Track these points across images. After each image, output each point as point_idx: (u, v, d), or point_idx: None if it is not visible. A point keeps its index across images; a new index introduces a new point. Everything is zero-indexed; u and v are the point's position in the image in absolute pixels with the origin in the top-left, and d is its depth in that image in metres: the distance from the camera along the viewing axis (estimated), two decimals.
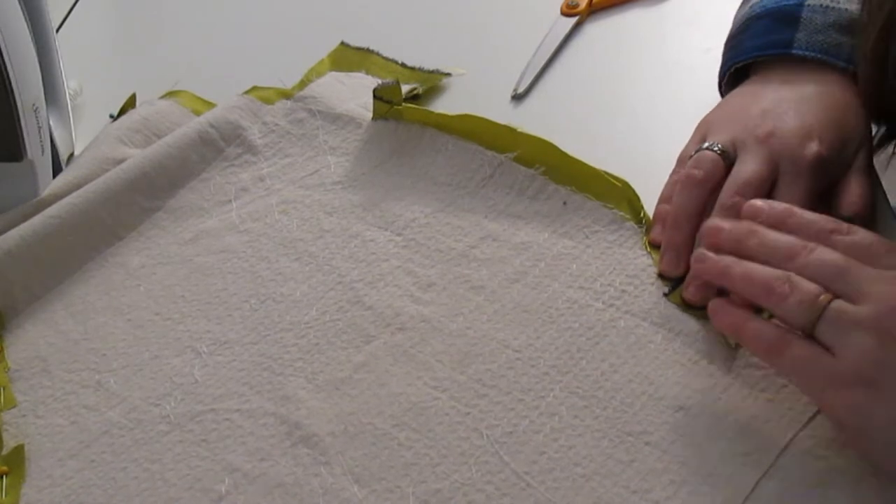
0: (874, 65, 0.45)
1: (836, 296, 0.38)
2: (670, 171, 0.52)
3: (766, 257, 0.41)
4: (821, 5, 0.50)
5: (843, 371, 0.37)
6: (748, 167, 0.46)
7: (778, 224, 0.42)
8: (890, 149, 0.50)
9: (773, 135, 0.47)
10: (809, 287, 0.39)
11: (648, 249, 0.49)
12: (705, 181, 0.47)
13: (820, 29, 0.50)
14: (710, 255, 0.42)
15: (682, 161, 0.50)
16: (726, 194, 0.46)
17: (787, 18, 0.51)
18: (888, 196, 0.51)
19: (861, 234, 0.40)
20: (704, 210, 0.47)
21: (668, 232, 0.47)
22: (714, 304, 0.42)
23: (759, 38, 0.52)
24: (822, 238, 0.40)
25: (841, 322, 0.37)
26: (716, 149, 0.47)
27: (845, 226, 0.41)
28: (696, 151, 0.48)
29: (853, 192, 0.47)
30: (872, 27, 0.44)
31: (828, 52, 0.49)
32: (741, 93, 0.52)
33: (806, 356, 0.38)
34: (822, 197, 0.47)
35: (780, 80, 0.50)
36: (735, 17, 0.57)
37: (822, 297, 0.38)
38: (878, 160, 0.52)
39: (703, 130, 0.51)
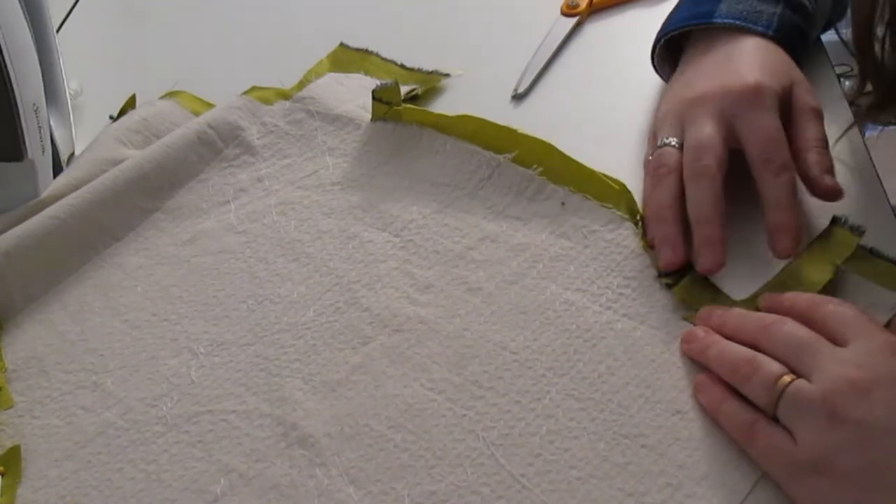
0: (863, 46, 0.47)
1: (798, 374, 0.39)
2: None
3: (743, 331, 0.42)
4: None
5: (801, 459, 0.37)
6: (697, 130, 0.47)
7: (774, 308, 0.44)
8: (875, 130, 0.51)
9: (707, 93, 0.48)
10: (771, 368, 0.39)
11: (646, 249, 0.48)
12: (671, 172, 0.47)
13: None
14: (699, 333, 0.44)
15: (645, 167, 0.51)
16: (688, 165, 0.47)
17: None
18: (888, 196, 0.50)
19: (842, 306, 0.41)
20: (681, 197, 0.47)
21: (654, 228, 0.48)
22: (698, 381, 0.43)
23: (686, 12, 0.54)
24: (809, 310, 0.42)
25: (797, 404, 0.38)
26: (671, 143, 0.48)
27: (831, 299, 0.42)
28: (652, 153, 0.49)
29: (815, 159, 0.46)
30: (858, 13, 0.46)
31: (747, 19, 0.51)
32: (674, 84, 0.53)
33: (770, 444, 0.39)
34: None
35: (702, 53, 0.52)
36: None
37: (781, 378, 0.39)
38: (867, 141, 0.53)
39: (652, 133, 0.52)
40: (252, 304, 0.51)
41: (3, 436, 0.47)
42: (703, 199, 0.46)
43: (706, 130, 0.47)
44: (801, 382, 0.38)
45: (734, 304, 0.46)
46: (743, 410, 0.40)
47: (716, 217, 0.45)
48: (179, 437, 0.46)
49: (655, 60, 0.57)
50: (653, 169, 0.48)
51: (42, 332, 0.52)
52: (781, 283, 0.45)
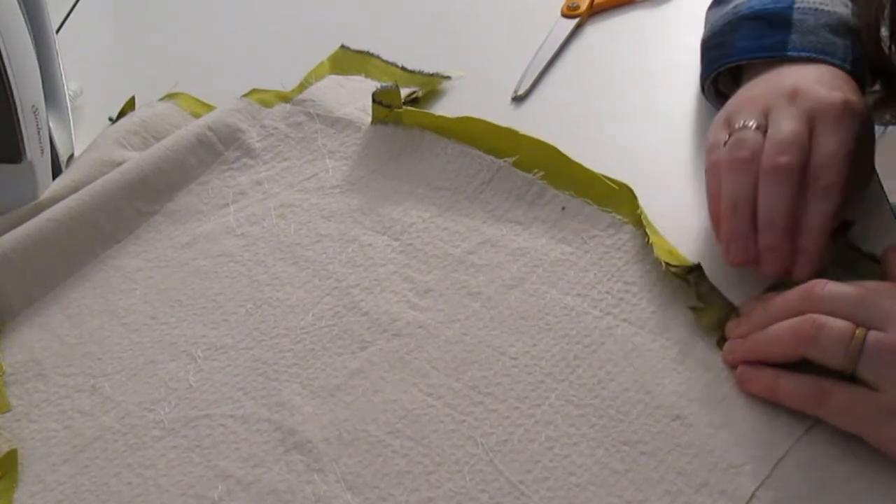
0: (873, 39, 0.46)
1: (867, 327, 0.38)
2: (670, 172, 0.51)
3: (786, 308, 0.41)
4: (811, 7, 0.50)
5: (893, 406, 0.37)
6: (784, 126, 0.44)
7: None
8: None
9: (800, 90, 0.45)
10: (838, 323, 0.39)
11: (657, 254, 0.47)
12: (752, 160, 0.44)
13: (812, 30, 0.50)
14: (737, 341, 0.43)
15: (712, 148, 0.47)
16: (768, 158, 0.44)
17: (779, 20, 0.51)
18: (888, 196, 0.50)
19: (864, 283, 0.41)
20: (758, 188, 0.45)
21: (728, 221, 0.45)
22: (742, 372, 0.42)
23: (751, 40, 0.51)
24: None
25: (883, 354, 0.37)
26: (752, 125, 0.45)
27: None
28: (730, 136, 0.46)
29: None
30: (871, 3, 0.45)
31: (823, 51, 0.49)
32: (751, 86, 0.50)
33: (851, 400, 0.38)
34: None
35: (782, 71, 0.49)
36: (709, 17, 0.56)
37: (857, 331, 0.38)
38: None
39: (726, 116, 0.48)
40: (251, 307, 0.51)
41: (0, 440, 0.47)
42: (776, 200, 0.43)
43: (794, 126, 0.44)
44: (877, 334, 0.38)
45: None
46: (804, 378, 0.40)
47: (787, 223, 0.43)
48: (177, 442, 0.46)
49: (706, 87, 0.55)
50: (731, 151, 0.45)
51: (40, 336, 0.52)
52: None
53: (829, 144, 0.44)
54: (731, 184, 0.45)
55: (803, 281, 0.43)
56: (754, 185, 0.44)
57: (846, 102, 0.44)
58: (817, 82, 0.46)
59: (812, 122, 0.44)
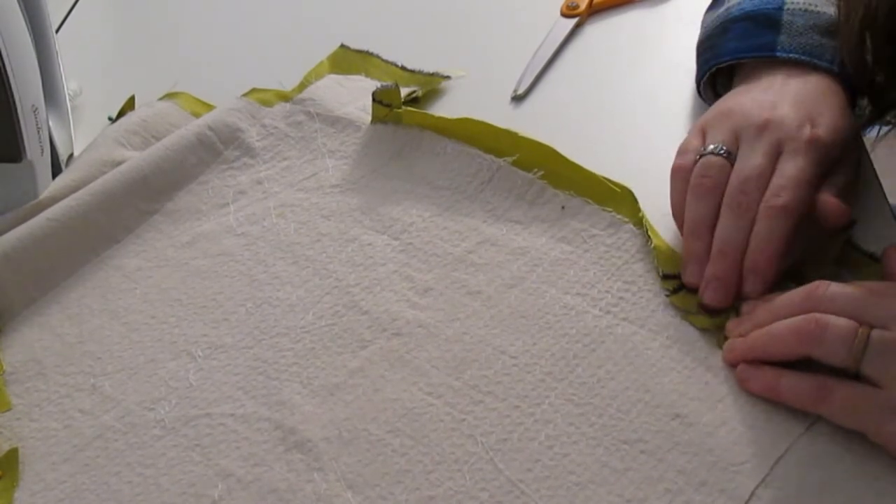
0: (854, 56, 0.46)
1: (871, 326, 0.38)
2: (668, 172, 0.51)
3: (786, 311, 0.41)
4: (801, 9, 0.51)
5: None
6: (749, 161, 0.45)
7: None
8: (875, 131, 0.51)
9: (771, 121, 0.46)
10: (842, 321, 0.39)
11: (654, 255, 0.48)
12: (715, 188, 0.46)
13: (801, 31, 0.50)
14: (737, 340, 0.43)
15: (681, 153, 0.49)
16: (731, 192, 0.45)
17: (768, 21, 0.51)
18: (888, 196, 0.50)
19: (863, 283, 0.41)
20: (718, 213, 0.46)
21: (687, 242, 0.46)
22: (742, 371, 0.42)
23: (741, 41, 0.52)
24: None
25: (888, 352, 0.38)
26: (720, 152, 0.47)
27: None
28: (700, 156, 0.47)
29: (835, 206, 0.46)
30: (850, 22, 0.45)
31: (811, 53, 0.49)
32: (734, 93, 0.51)
33: (853, 397, 0.39)
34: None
35: (768, 80, 0.50)
36: (705, 20, 0.57)
37: (861, 329, 0.38)
38: (867, 141, 0.53)
39: (702, 127, 0.50)
40: (251, 307, 0.51)
41: (0, 439, 0.47)
42: (731, 233, 0.45)
43: (760, 161, 0.45)
44: (881, 332, 0.38)
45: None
46: (806, 377, 0.40)
47: (737, 255, 0.44)
48: (177, 441, 0.46)
49: (702, 88, 0.55)
50: (697, 177, 0.47)
51: (40, 335, 0.52)
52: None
53: (790, 169, 0.45)
54: (693, 208, 0.46)
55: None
56: (715, 211, 0.46)
57: (812, 138, 0.45)
58: (793, 107, 0.47)
59: (778, 151, 0.46)
